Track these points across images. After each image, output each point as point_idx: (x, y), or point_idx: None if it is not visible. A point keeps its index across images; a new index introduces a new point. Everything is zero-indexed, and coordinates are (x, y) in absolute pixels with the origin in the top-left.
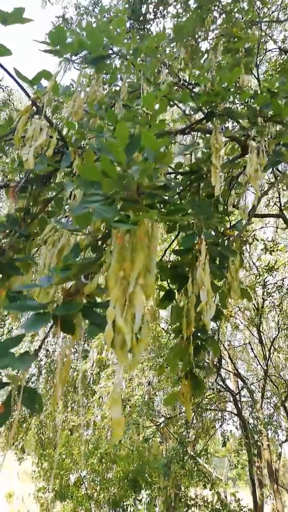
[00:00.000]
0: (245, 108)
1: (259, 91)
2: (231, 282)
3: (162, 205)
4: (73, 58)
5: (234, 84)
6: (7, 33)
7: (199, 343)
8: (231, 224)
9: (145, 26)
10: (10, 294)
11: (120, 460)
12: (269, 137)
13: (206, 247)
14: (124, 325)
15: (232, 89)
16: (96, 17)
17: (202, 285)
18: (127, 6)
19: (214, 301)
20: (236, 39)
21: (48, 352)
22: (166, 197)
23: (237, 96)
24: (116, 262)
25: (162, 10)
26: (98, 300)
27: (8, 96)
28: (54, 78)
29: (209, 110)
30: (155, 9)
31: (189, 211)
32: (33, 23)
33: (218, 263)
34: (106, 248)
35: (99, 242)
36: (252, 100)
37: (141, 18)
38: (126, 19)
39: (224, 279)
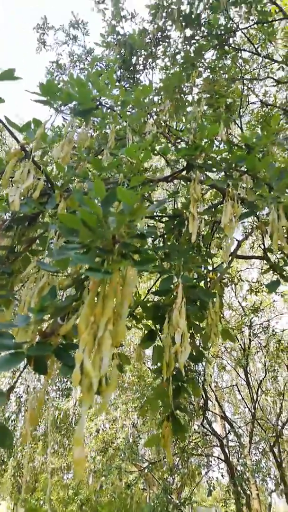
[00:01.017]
0: (222, 162)
1: (237, 144)
2: (211, 324)
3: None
4: (63, 108)
5: (214, 137)
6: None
7: (180, 384)
8: (213, 267)
9: (135, 76)
10: None
11: (102, 508)
12: (247, 187)
13: (184, 289)
14: (91, 369)
15: (210, 143)
16: (87, 68)
17: (177, 327)
18: (118, 56)
19: (199, 343)
20: (218, 96)
21: (28, 388)
22: (140, 247)
23: (215, 150)
24: (87, 307)
25: (151, 62)
26: (75, 340)
27: (0, 132)
28: (43, 127)
29: (188, 162)
30: (144, 61)
31: (168, 255)
32: (30, 64)
33: (199, 304)
34: (84, 291)
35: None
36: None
37: (131, 68)
38: (117, 69)
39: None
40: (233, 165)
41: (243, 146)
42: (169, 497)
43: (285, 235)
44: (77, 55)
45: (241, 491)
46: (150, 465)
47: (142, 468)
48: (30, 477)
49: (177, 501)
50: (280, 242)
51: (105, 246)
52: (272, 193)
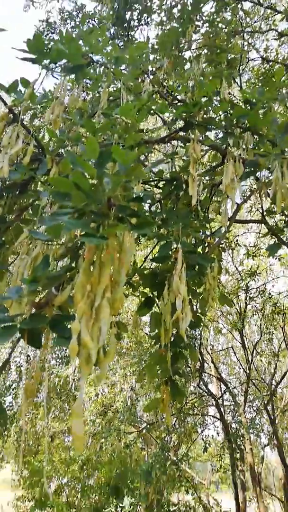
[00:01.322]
0: (224, 119)
1: (237, 104)
2: (209, 289)
3: (132, 218)
4: (53, 66)
5: (214, 94)
6: None
7: (178, 350)
8: (212, 232)
9: (129, 33)
10: None
11: (102, 467)
12: (249, 146)
13: (183, 255)
14: (89, 340)
15: (211, 100)
16: (78, 24)
17: (178, 293)
18: (111, 12)
19: (196, 308)
20: (218, 50)
21: (28, 358)
22: (136, 210)
23: (215, 107)
24: (83, 276)
25: (146, 18)
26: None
27: None
28: (31, 86)
29: (186, 121)
30: (139, 16)
31: (166, 221)
32: (18, 24)
33: (197, 270)
34: (79, 259)
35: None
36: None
37: (126, 25)
38: (110, 26)
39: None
40: (234, 122)
41: (244, 104)
42: (166, 454)
43: None
44: (68, 12)
45: (236, 447)
46: (148, 426)
47: (140, 429)
48: (32, 441)
49: (174, 458)
50: (284, 201)
51: (100, 210)
52: (275, 149)
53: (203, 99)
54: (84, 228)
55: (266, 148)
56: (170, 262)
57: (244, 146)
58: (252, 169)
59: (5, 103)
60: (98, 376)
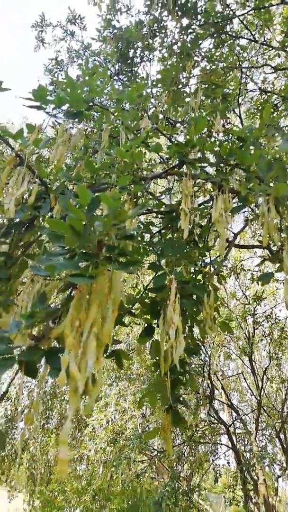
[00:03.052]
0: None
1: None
2: (206, 318)
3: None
4: (56, 111)
5: (206, 133)
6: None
7: (178, 377)
8: (211, 259)
9: (133, 69)
10: None
11: (114, 498)
12: (241, 180)
13: (178, 285)
14: (77, 372)
15: (202, 138)
16: (82, 68)
17: (171, 323)
18: (115, 50)
19: (196, 335)
20: (214, 87)
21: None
22: (133, 246)
23: (204, 146)
24: (73, 311)
25: (148, 54)
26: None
27: None
28: (36, 132)
29: (180, 159)
30: (141, 53)
31: (163, 252)
32: (29, 62)
33: (195, 299)
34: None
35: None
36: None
37: (129, 61)
38: (115, 62)
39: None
40: (224, 159)
41: (237, 140)
42: (178, 484)
43: (277, 226)
44: (75, 51)
45: (248, 477)
46: (159, 454)
47: (151, 457)
48: (44, 469)
49: (186, 488)
50: (270, 234)
51: (91, 251)
52: (261, 185)
53: (196, 136)
54: (74, 268)
55: (254, 184)
56: (166, 291)
57: (237, 180)
58: (243, 203)
59: (12, 148)
60: (86, 406)
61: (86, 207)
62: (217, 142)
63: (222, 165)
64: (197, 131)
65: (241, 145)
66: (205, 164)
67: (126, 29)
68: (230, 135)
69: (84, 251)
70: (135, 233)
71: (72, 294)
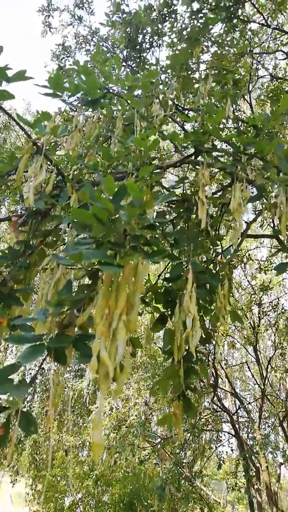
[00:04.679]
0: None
1: (245, 121)
2: (220, 307)
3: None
4: (71, 99)
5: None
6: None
7: (190, 365)
8: (222, 249)
9: (142, 55)
10: (12, 324)
11: (116, 483)
12: (256, 169)
13: (194, 275)
14: (107, 358)
15: (219, 128)
16: (93, 50)
17: (188, 312)
18: (124, 35)
19: (208, 324)
20: (225, 72)
21: (43, 371)
22: (150, 236)
23: (222, 136)
24: (101, 300)
25: (157, 40)
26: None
27: (9, 119)
28: (53, 120)
29: (196, 148)
30: (150, 39)
31: (177, 242)
32: (35, 47)
33: (208, 288)
34: (98, 281)
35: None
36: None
37: (138, 47)
38: (123, 48)
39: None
40: (241, 148)
41: (250, 128)
42: (180, 471)
43: None
44: (83, 36)
45: (251, 464)
46: (162, 441)
47: (154, 444)
48: (46, 455)
49: (188, 474)
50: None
51: (116, 240)
52: (280, 175)
53: (211, 126)
54: (103, 257)
55: (272, 174)
56: (181, 281)
57: (252, 168)
58: (259, 193)
59: (29, 137)
60: (115, 390)
61: (111, 197)
62: (234, 132)
63: (239, 154)
64: (215, 121)
65: (256, 133)
66: (220, 153)
67: (136, 13)
68: (240, 122)
69: (110, 240)
70: (157, 223)
71: (94, 281)
